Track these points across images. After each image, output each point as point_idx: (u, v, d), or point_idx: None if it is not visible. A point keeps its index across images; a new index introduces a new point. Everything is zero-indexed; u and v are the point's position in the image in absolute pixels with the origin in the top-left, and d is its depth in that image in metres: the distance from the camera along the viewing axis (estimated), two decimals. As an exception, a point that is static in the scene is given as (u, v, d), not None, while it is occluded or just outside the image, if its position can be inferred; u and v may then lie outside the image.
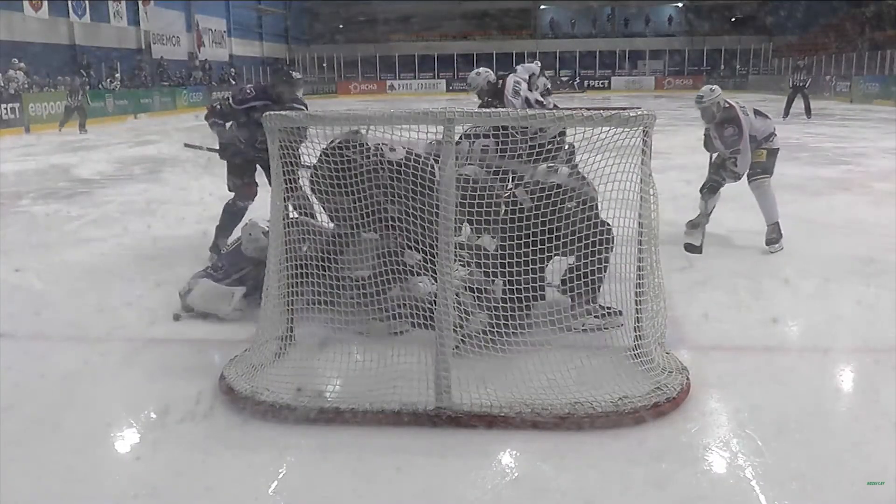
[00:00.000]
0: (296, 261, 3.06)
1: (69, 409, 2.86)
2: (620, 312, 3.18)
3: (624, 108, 2.90)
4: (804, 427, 2.64)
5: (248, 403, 2.75)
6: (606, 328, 3.26)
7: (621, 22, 43.56)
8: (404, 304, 3.21)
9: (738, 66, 38.25)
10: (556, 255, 3.12)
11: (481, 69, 5.95)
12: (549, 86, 10.29)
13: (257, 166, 4.72)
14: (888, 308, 3.84)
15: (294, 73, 4.83)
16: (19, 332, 3.69)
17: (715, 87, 5.06)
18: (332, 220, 3.34)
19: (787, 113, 16.49)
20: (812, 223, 6.01)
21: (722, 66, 38.76)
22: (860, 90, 25.15)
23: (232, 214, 4.77)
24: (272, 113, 2.95)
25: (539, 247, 2.97)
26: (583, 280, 3.06)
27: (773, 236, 5.03)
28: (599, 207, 3.07)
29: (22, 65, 18.59)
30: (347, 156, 3.08)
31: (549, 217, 2.98)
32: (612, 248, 3.12)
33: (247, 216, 4.62)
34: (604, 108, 3.00)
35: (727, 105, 4.88)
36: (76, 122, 16.73)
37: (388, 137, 2.89)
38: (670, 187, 5.34)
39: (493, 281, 3.23)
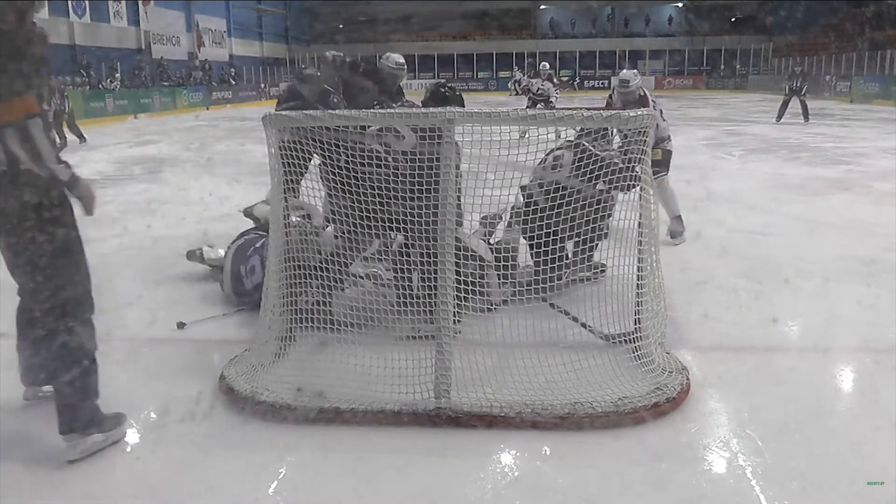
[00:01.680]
0: (295, 261, 3.05)
1: (69, 409, 2.86)
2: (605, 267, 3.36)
3: (624, 108, 2.90)
4: (804, 427, 2.64)
5: (248, 403, 2.76)
6: (595, 279, 3.57)
7: (621, 22, 43.57)
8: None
9: (738, 66, 38.28)
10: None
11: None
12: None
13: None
14: (888, 308, 3.84)
15: (306, 70, 4.81)
16: (19, 332, 3.68)
17: (637, 71, 5.42)
18: (338, 218, 3.25)
19: (780, 116, 16.37)
20: (812, 223, 6.01)
21: (722, 66, 38.80)
22: (860, 90, 25.16)
23: None
24: (271, 113, 2.96)
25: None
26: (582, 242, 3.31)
27: (677, 229, 5.24)
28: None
29: None
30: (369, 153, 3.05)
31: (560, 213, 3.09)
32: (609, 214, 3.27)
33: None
34: (604, 108, 3.00)
35: (644, 94, 5.23)
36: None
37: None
38: (670, 187, 5.34)
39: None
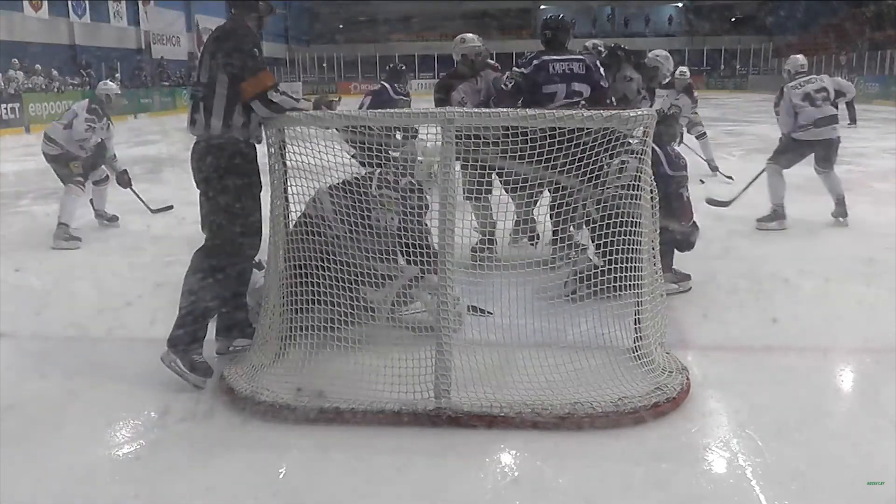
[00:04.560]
0: (300, 260, 3.05)
1: (69, 409, 2.86)
2: (689, 276, 3.96)
3: (624, 108, 2.90)
4: (804, 427, 2.64)
5: (248, 403, 2.76)
6: (682, 291, 4.02)
7: (621, 22, 43.54)
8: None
9: (738, 66, 38.25)
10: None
11: None
12: None
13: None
14: (888, 308, 3.84)
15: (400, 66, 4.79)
16: (19, 332, 3.69)
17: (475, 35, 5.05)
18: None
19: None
20: (812, 223, 6.00)
21: (722, 66, 38.77)
22: (860, 90, 25.07)
23: None
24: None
25: None
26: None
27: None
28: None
29: (38, 66, 18.66)
30: None
31: None
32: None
33: None
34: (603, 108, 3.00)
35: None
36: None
37: None
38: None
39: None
